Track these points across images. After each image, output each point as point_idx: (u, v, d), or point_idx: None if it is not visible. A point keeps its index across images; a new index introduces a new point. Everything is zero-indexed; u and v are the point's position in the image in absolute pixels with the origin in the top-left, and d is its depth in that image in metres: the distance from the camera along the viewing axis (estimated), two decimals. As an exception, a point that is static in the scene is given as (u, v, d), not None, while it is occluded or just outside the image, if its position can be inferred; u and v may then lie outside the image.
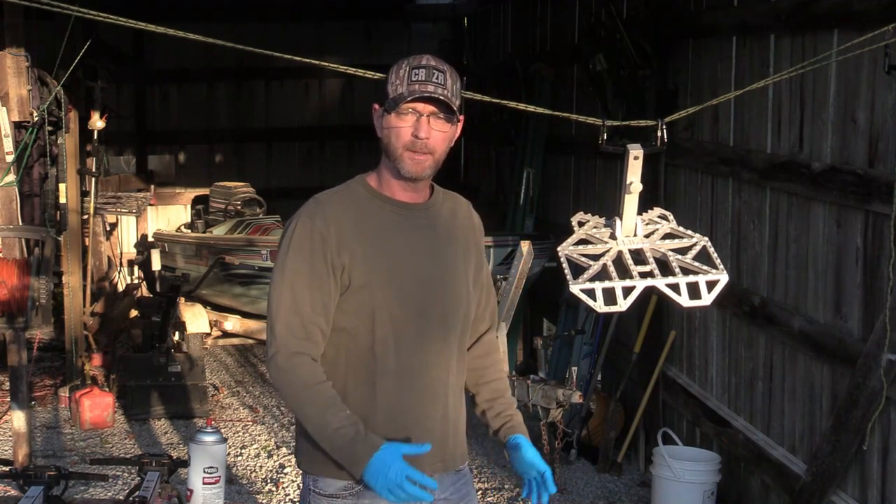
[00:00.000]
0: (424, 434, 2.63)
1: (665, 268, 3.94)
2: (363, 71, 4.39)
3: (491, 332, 2.91)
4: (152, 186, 11.88)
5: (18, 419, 5.91)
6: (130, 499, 4.24)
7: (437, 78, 2.54)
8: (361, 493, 2.60)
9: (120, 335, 8.80)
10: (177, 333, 8.36)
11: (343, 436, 2.49)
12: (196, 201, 11.43)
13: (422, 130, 2.55)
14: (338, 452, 2.51)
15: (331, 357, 2.61)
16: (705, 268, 3.91)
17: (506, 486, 6.21)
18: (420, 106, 2.55)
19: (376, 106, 2.63)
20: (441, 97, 2.53)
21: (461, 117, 2.64)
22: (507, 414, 2.83)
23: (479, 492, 6.08)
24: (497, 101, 4.62)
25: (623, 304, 3.84)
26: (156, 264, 9.50)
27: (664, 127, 4.28)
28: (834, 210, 4.57)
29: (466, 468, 2.82)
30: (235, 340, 9.96)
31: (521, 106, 4.76)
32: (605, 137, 4.34)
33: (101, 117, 8.98)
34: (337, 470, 2.60)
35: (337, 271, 2.55)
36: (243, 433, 7.24)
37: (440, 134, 2.57)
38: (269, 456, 6.76)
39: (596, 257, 3.96)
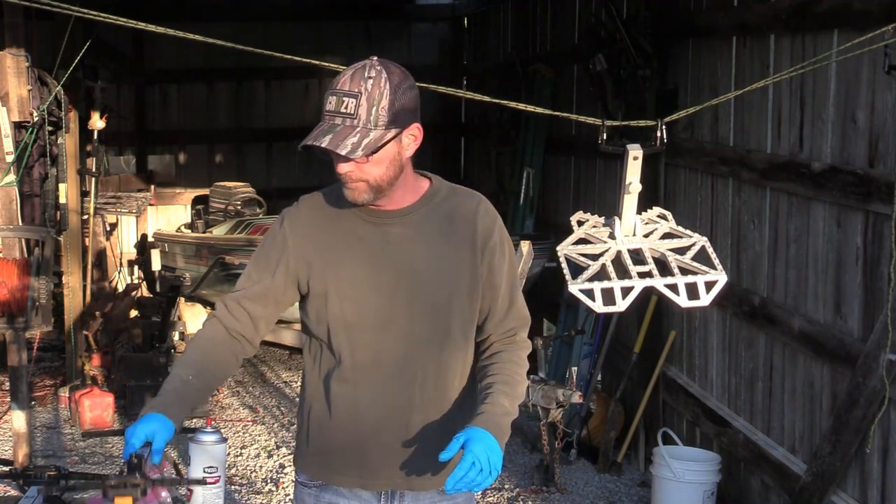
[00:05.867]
0: (378, 446, 2.60)
1: (664, 268, 3.95)
2: (363, 71, 4.37)
3: (508, 341, 2.68)
4: (152, 186, 11.88)
5: (18, 419, 5.91)
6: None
7: (346, 107, 2.39)
8: (325, 487, 2.67)
9: (120, 335, 8.79)
10: (177, 333, 8.36)
11: (161, 389, 2.62)
12: (196, 201, 11.43)
13: (337, 168, 2.46)
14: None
15: (309, 363, 2.67)
16: (704, 268, 3.92)
17: (506, 486, 6.21)
18: None
19: None
20: (320, 144, 2.38)
21: (415, 125, 2.47)
22: (479, 410, 2.53)
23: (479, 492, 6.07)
24: (497, 101, 4.62)
25: (622, 305, 3.84)
26: (156, 264, 9.50)
27: (664, 127, 4.28)
28: (834, 210, 4.57)
29: (460, 496, 2.71)
30: (235, 340, 9.94)
31: (521, 106, 4.76)
32: (605, 137, 4.35)
33: (101, 117, 8.97)
34: (310, 466, 2.69)
35: (291, 273, 2.59)
36: (243, 433, 7.24)
37: (363, 164, 2.43)
38: (269, 456, 6.76)
39: (595, 257, 3.96)
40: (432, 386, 2.60)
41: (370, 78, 2.40)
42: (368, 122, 2.39)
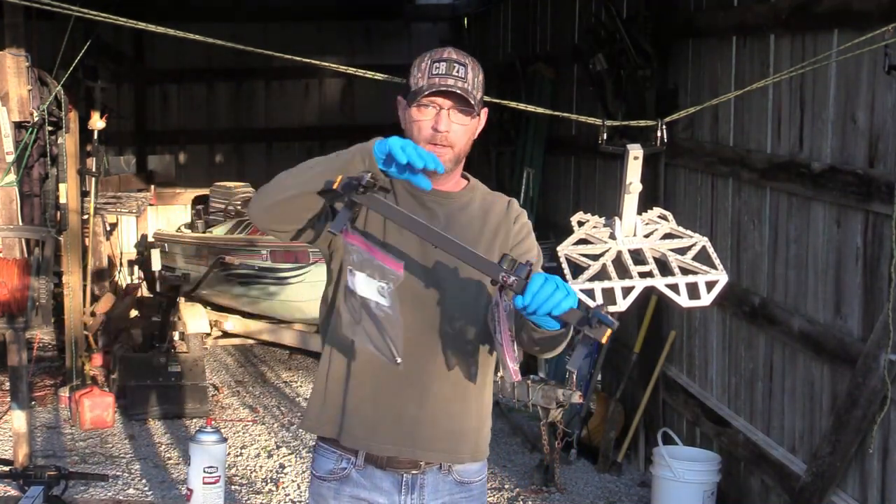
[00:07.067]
0: (391, 409, 2.61)
1: (664, 268, 3.95)
2: (363, 71, 4.40)
3: None
4: (152, 186, 11.88)
5: (18, 419, 5.91)
6: None
7: (457, 71, 2.59)
8: (346, 479, 2.66)
9: (120, 335, 8.79)
10: (177, 333, 8.36)
11: (342, 153, 2.46)
12: (196, 201, 11.44)
13: (441, 123, 2.59)
14: (344, 157, 2.43)
15: (337, 320, 2.65)
16: (705, 268, 3.92)
17: (506, 486, 6.21)
18: (439, 100, 2.58)
19: (400, 98, 2.68)
20: (459, 91, 2.57)
21: (485, 110, 2.69)
22: None
23: (479, 492, 6.07)
24: (497, 101, 4.62)
25: (622, 305, 3.84)
26: (156, 264, 9.50)
27: (664, 127, 4.29)
28: (834, 210, 4.57)
29: (476, 486, 2.74)
30: (235, 340, 9.96)
31: (521, 106, 4.77)
32: (605, 137, 4.35)
33: (101, 117, 8.98)
34: (320, 423, 2.67)
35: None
36: (243, 433, 7.24)
37: (460, 127, 2.62)
38: (269, 456, 6.76)
39: (595, 257, 3.96)
40: (455, 360, 2.64)
41: (465, 55, 2.64)
42: (473, 87, 2.62)
